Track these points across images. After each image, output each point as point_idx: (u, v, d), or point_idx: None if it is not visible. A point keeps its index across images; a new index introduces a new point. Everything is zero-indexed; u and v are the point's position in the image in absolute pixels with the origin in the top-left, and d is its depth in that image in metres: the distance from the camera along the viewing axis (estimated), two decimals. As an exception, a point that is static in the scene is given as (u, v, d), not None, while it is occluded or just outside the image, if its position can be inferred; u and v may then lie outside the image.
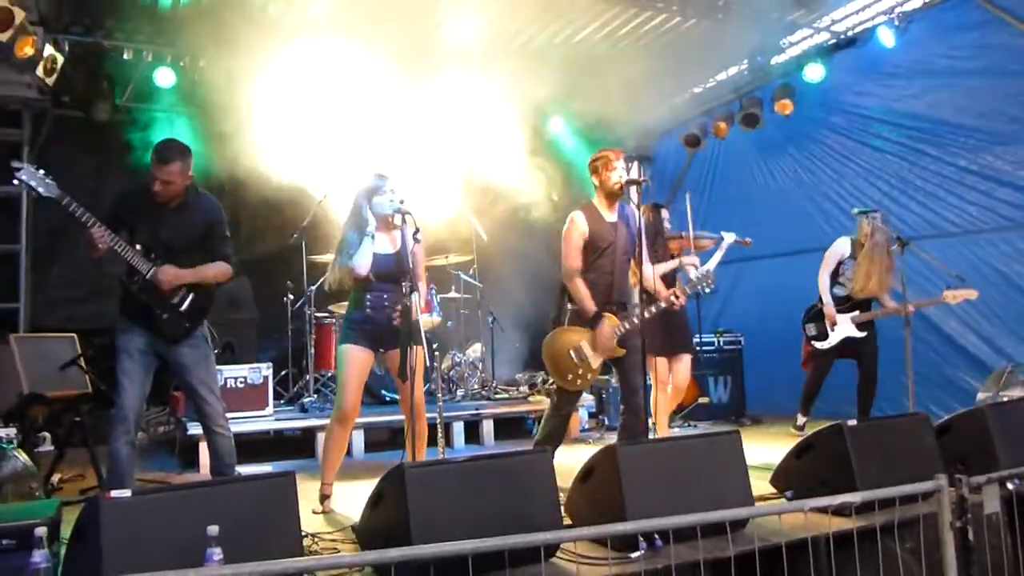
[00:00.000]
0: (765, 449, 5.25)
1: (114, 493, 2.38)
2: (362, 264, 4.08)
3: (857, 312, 5.85)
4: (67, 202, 3.56)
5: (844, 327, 5.84)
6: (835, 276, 5.92)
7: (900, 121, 6.88)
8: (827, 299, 5.89)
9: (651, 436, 5.18)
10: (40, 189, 3.55)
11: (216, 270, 4.02)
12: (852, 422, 3.56)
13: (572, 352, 4.18)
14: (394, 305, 4.03)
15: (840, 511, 2.82)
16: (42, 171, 3.59)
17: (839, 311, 5.88)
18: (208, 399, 3.95)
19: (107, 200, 4.10)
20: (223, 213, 4.09)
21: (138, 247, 3.78)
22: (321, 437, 5.97)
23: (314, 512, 4.00)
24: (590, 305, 4.20)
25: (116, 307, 3.94)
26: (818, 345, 5.98)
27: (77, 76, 6.70)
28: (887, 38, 6.73)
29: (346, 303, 4.80)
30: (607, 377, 6.44)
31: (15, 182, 3.56)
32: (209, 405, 3.95)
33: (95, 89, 6.81)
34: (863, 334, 5.81)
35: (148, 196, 3.84)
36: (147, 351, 3.87)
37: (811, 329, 6.01)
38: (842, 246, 5.91)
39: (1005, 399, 5.18)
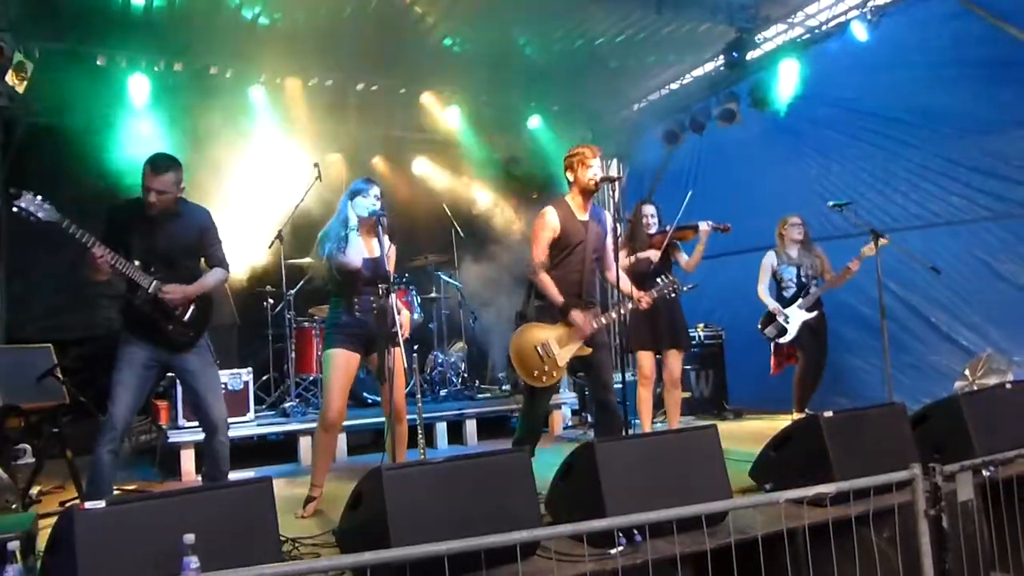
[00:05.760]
0: (746, 443, 5.29)
1: (88, 504, 2.36)
2: (355, 257, 4.14)
3: (801, 299, 6.15)
4: (67, 224, 3.54)
5: (796, 315, 6.13)
6: (779, 284, 6.29)
7: (878, 113, 6.93)
8: (771, 303, 6.23)
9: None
10: (40, 214, 3.51)
11: (215, 279, 4.10)
12: (828, 413, 3.59)
13: (539, 348, 4.15)
14: (382, 308, 4.14)
15: (816, 502, 2.85)
16: (39, 196, 3.53)
17: (789, 306, 6.19)
18: (217, 404, 3.97)
19: (84, 208, 4.10)
20: (214, 220, 4.11)
21: (136, 263, 3.76)
22: (303, 441, 5.97)
23: (296, 516, 3.99)
24: (558, 297, 4.18)
25: (119, 319, 3.96)
26: (782, 341, 6.21)
27: (49, 83, 6.63)
28: (860, 32, 6.78)
29: (326, 307, 4.80)
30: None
31: (15, 209, 3.49)
32: (217, 410, 3.96)
33: (68, 96, 6.74)
34: (814, 313, 6.13)
35: (139, 209, 3.83)
36: (150, 365, 3.88)
37: (771, 331, 6.26)
38: (770, 259, 6.33)
39: (979, 387, 5.25)
